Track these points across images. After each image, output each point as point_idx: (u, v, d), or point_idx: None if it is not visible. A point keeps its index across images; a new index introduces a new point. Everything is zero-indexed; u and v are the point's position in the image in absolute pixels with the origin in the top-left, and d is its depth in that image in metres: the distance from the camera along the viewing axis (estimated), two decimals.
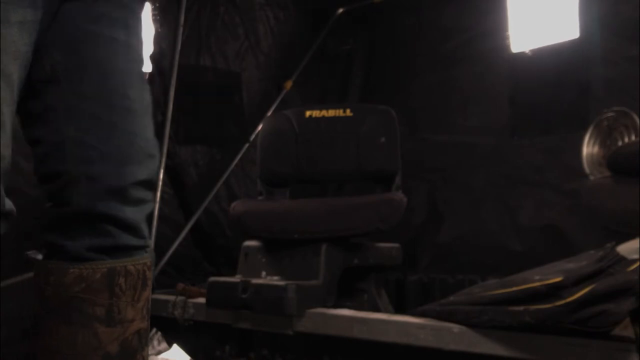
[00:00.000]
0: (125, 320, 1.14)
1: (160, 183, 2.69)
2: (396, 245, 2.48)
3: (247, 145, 3.18)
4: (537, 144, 2.97)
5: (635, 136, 2.27)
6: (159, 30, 2.93)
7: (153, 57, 2.92)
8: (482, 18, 3.23)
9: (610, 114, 2.37)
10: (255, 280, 2.10)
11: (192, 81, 3.08)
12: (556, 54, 2.91)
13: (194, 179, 3.11)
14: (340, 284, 2.20)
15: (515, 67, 3.09)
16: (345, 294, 2.32)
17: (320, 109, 2.63)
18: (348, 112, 2.60)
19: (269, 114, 3.18)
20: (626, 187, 1.92)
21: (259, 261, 2.27)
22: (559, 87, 2.87)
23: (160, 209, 2.71)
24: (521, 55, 3.07)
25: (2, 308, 1.98)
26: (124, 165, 1.15)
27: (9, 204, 1.06)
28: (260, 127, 2.92)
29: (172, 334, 2.62)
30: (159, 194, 2.68)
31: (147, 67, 2.83)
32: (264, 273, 2.24)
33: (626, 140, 2.30)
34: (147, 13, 2.86)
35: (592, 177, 2.36)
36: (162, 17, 2.94)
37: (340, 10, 3.53)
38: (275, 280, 2.12)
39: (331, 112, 2.61)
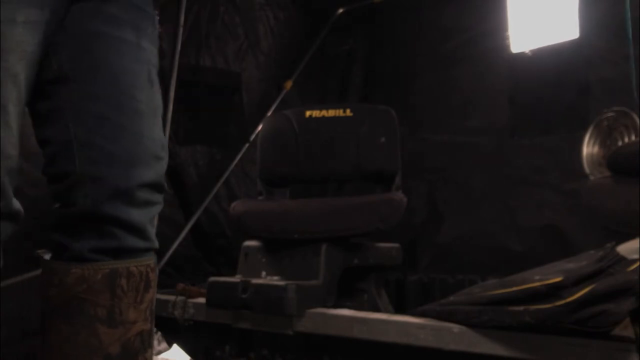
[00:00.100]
0: (127, 321, 1.14)
1: None
2: (396, 245, 2.48)
3: (247, 145, 3.18)
4: (537, 144, 2.97)
5: (635, 136, 2.27)
6: (159, 30, 2.92)
7: None
8: (482, 18, 3.23)
9: (610, 114, 2.37)
10: (255, 280, 2.09)
11: (192, 81, 3.08)
12: (556, 54, 2.91)
13: (194, 179, 3.11)
14: (340, 284, 2.20)
15: (515, 67, 3.09)
16: (345, 294, 2.31)
17: (320, 109, 2.63)
18: (348, 112, 2.59)
19: (269, 114, 3.17)
20: (626, 187, 1.91)
21: (259, 261, 2.27)
22: (558, 87, 2.87)
23: None
24: (521, 55, 3.07)
25: (2, 308, 1.97)
26: (131, 167, 1.14)
27: (17, 204, 1.06)
28: (260, 127, 2.92)
29: (172, 334, 2.61)
30: None
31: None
32: (264, 273, 2.23)
33: (626, 140, 2.30)
34: None
35: (592, 177, 2.36)
36: (162, 17, 2.93)
37: (340, 10, 3.52)
38: (275, 280, 2.12)
39: (331, 112, 2.61)
